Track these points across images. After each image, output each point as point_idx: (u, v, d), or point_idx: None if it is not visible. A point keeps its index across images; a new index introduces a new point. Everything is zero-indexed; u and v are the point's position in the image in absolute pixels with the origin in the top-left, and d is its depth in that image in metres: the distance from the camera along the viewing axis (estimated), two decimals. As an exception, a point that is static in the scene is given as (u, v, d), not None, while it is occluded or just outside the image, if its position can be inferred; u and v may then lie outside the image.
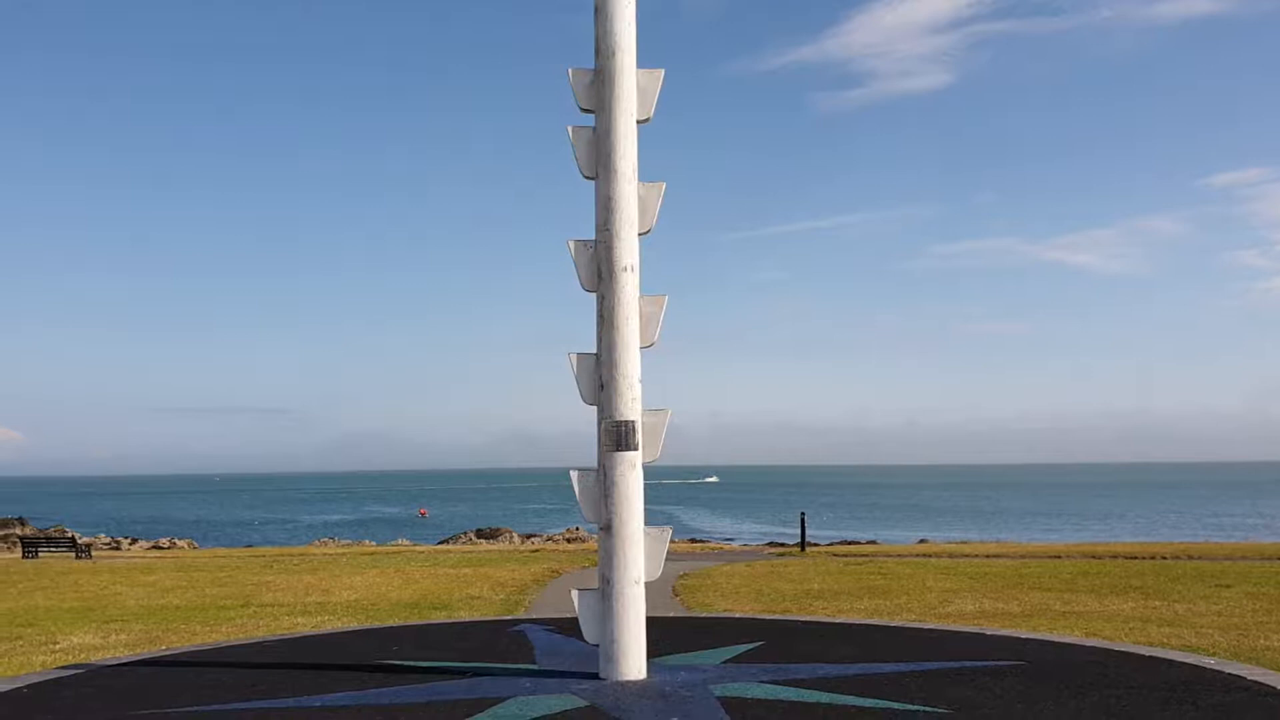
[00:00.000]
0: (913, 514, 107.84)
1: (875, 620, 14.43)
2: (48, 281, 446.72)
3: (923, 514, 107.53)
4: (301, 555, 37.88)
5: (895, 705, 8.09)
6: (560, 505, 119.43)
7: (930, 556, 31.31)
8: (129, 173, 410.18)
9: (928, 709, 7.96)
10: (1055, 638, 12.18)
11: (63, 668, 10.91)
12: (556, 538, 56.15)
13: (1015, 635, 12.18)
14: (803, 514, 38.87)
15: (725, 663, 10.11)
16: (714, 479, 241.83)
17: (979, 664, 9.84)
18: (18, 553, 41.21)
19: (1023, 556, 30.47)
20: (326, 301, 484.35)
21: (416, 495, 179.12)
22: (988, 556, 30.59)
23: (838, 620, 14.23)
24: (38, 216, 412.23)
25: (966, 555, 31.57)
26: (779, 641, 11.48)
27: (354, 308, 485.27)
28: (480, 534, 62.69)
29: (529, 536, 60.21)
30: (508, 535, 60.91)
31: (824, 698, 8.38)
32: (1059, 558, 29.46)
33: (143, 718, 8.14)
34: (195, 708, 8.44)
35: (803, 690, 8.66)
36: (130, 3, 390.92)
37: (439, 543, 56.03)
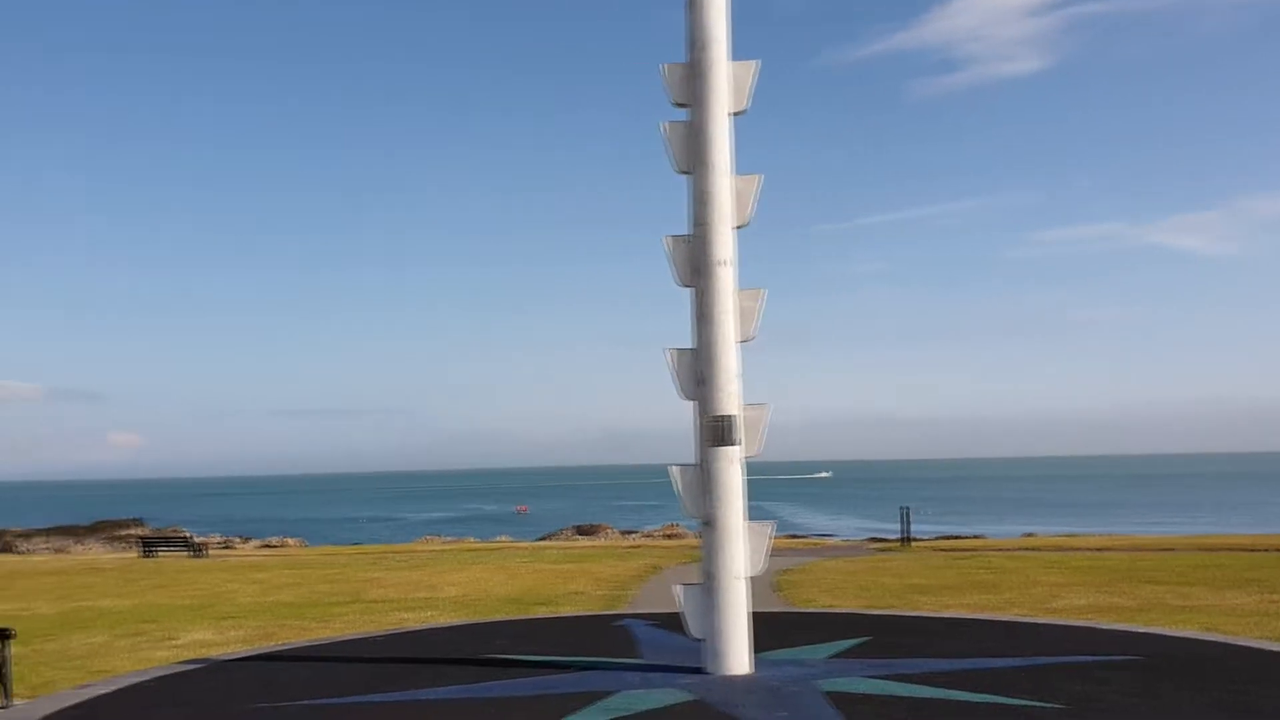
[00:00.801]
0: (1018, 506, 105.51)
1: (983, 615, 14.18)
2: (161, 284, 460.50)
3: (1028, 506, 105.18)
4: (407, 552, 38.55)
5: (1008, 701, 7.93)
6: (657, 502, 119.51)
7: (1037, 550, 30.64)
8: (244, 174, 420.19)
9: (1043, 704, 7.79)
10: (1172, 632, 11.85)
11: (183, 662, 11.30)
12: (655, 534, 56.22)
13: (1129, 630, 11.88)
14: (906, 508, 38.23)
15: (831, 658, 10.04)
16: (826, 474, 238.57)
17: (1093, 658, 9.62)
18: (137, 552, 42.72)
19: (1134, 549, 29.63)
20: (430, 301, 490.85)
21: (513, 492, 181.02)
22: (1097, 550, 29.83)
23: (944, 615, 14.03)
24: (150, 219, 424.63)
25: (1075, 549, 30.83)
26: (884, 637, 11.36)
27: (456, 306, 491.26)
28: (580, 530, 63.21)
29: (628, 532, 60.41)
30: (606, 531, 61.28)
31: (934, 693, 8.26)
32: (1171, 550, 28.60)
33: (262, 711, 8.38)
34: (312, 701, 8.67)
35: (911, 685, 8.55)
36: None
37: (538, 539, 56.56)
